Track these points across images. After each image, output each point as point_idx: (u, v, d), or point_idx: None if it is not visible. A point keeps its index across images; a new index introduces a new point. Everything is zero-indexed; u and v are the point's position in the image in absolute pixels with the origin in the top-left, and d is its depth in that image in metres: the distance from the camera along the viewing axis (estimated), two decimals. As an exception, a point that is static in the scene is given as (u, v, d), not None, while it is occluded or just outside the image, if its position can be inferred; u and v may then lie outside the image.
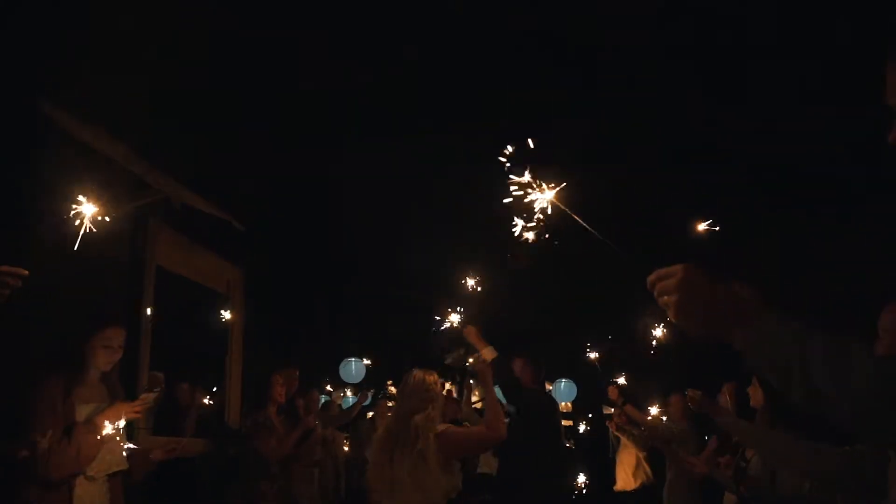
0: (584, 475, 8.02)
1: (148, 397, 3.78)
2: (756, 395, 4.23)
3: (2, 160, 3.97)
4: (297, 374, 6.25)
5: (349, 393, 10.24)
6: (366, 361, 9.65)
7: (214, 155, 5.71)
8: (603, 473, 8.27)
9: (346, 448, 7.83)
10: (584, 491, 7.96)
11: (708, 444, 5.45)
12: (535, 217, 2.31)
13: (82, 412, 3.46)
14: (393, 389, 8.80)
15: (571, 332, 8.21)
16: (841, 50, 5.80)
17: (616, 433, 7.56)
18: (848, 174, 6.77)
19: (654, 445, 6.49)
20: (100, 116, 4.38)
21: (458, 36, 6.81)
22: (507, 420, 6.39)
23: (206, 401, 6.14)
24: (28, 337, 3.92)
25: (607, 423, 7.52)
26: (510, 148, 2.34)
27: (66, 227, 2.76)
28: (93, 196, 2.80)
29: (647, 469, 7.14)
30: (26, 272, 2.52)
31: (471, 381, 7.27)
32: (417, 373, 3.90)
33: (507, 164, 2.33)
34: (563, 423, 7.63)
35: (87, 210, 2.78)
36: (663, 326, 4.69)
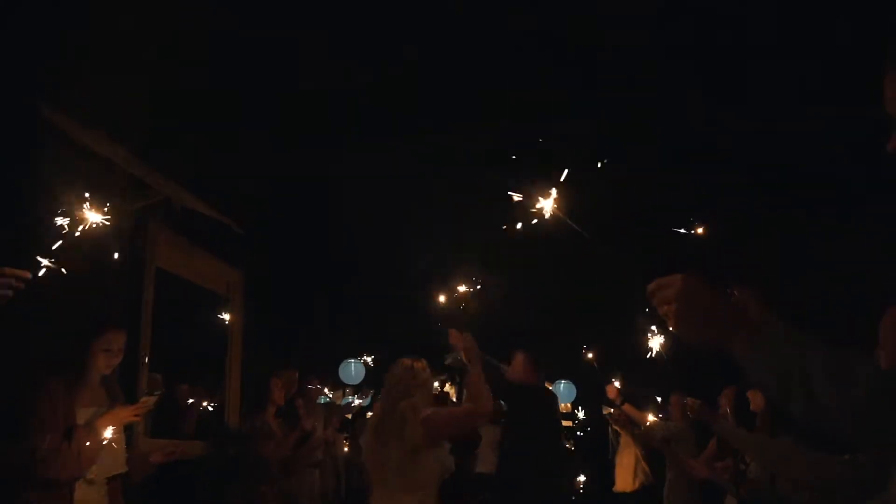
0: (584, 476, 8.02)
1: (148, 401, 3.78)
2: (756, 399, 4.22)
3: (1, 162, 3.96)
4: (297, 375, 6.24)
5: (349, 394, 10.26)
6: (368, 359, 9.63)
7: (214, 156, 5.72)
8: (602, 474, 8.26)
9: (346, 449, 7.83)
10: (584, 491, 7.96)
11: (708, 445, 5.45)
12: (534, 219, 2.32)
13: (82, 415, 3.46)
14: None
15: (571, 332, 8.20)
16: (841, 50, 5.80)
17: (615, 427, 7.56)
18: (848, 174, 6.77)
19: (653, 446, 6.48)
20: (100, 118, 4.38)
21: (458, 36, 6.81)
22: (501, 420, 6.41)
23: (205, 404, 6.13)
24: (28, 339, 3.92)
25: (608, 418, 7.50)
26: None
27: (65, 229, 2.76)
28: (93, 198, 2.80)
29: (647, 469, 7.14)
30: (29, 274, 2.53)
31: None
32: (405, 360, 3.96)
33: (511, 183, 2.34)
34: (563, 423, 7.62)
35: (87, 212, 2.78)
36: (662, 331, 4.69)
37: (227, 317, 6.25)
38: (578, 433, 10.71)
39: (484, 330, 5.77)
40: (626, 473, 7.32)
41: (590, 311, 9.03)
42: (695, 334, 1.40)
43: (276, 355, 6.88)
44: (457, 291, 4.55)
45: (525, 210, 2.35)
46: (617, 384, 7.09)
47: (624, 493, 7.34)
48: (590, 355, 7.39)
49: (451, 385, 10.73)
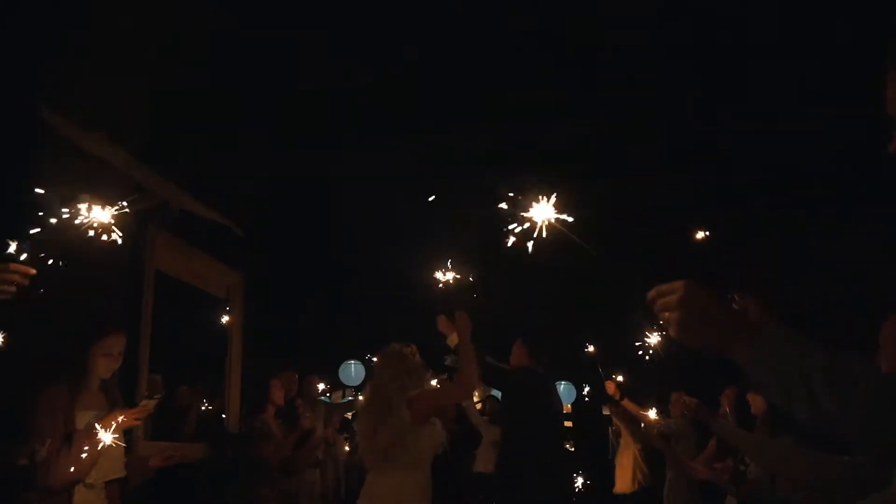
0: (584, 476, 8.00)
1: (148, 405, 3.78)
2: (756, 401, 4.22)
3: (1, 165, 3.96)
4: (297, 377, 6.24)
5: (350, 394, 10.25)
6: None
7: (213, 159, 5.72)
8: (602, 475, 8.25)
9: (346, 448, 7.82)
10: (584, 492, 7.94)
11: (708, 444, 5.44)
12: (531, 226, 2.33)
13: (82, 419, 3.45)
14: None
15: (571, 332, 8.19)
16: (840, 50, 5.80)
17: (616, 421, 7.54)
18: (848, 174, 6.78)
19: (652, 444, 6.47)
20: (99, 121, 4.38)
21: (458, 36, 6.81)
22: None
23: (204, 407, 6.12)
24: (28, 343, 3.92)
25: (610, 409, 7.49)
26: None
27: (65, 233, 2.75)
28: (93, 201, 2.80)
29: (645, 470, 7.12)
30: (34, 271, 2.53)
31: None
32: (393, 345, 4.07)
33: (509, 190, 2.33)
34: (564, 423, 7.59)
35: (90, 214, 2.78)
36: (661, 333, 4.69)
37: (226, 318, 6.25)
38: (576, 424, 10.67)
39: (484, 330, 5.77)
40: (625, 475, 7.32)
41: (590, 310, 9.03)
42: (696, 341, 1.39)
43: (276, 356, 6.88)
44: (450, 278, 4.58)
45: (522, 216, 2.35)
46: (621, 378, 7.08)
47: (624, 495, 7.33)
48: (590, 348, 7.37)
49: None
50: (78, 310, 4.17)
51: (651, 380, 7.30)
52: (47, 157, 4.17)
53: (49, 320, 3.96)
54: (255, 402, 5.38)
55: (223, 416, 6.09)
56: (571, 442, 9.76)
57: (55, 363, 3.64)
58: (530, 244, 2.41)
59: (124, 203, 2.97)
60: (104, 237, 2.85)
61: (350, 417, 8.28)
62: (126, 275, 4.88)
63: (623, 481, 7.33)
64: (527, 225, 2.38)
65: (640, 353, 5.16)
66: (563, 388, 9.83)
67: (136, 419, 3.66)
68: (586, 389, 8.28)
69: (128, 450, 3.98)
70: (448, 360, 6.47)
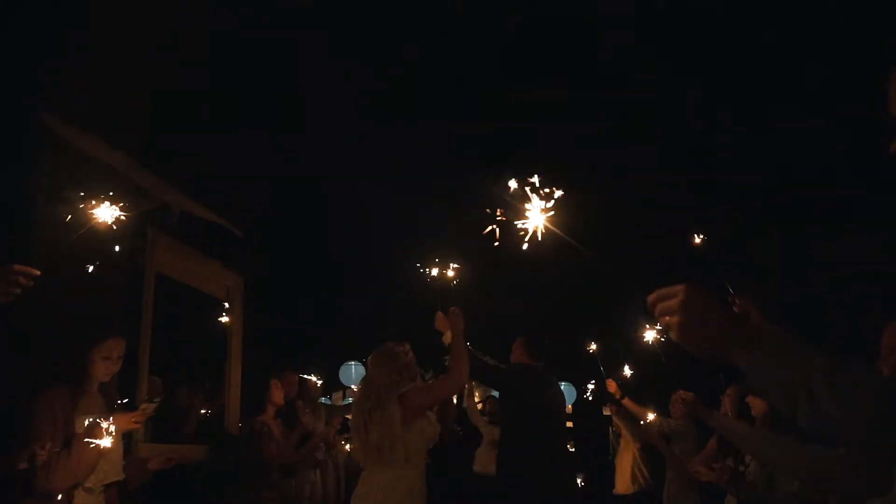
0: (584, 476, 7.99)
1: (148, 408, 3.78)
2: (756, 403, 4.20)
3: (0, 169, 3.96)
4: (297, 378, 6.23)
5: (350, 395, 10.24)
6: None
7: (213, 160, 5.71)
8: (602, 475, 8.24)
9: (347, 449, 7.82)
10: (583, 493, 7.93)
11: (708, 443, 5.42)
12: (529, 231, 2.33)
13: (81, 423, 3.46)
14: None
15: (572, 330, 8.18)
16: (841, 50, 5.80)
17: (616, 421, 7.53)
18: (848, 175, 6.77)
19: (652, 442, 6.46)
20: (99, 124, 4.38)
21: (459, 36, 6.81)
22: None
23: (203, 410, 6.11)
24: (28, 346, 3.91)
25: (609, 408, 7.48)
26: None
27: (65, 235, 2.76)
28: (93, 204, 2.80)
29: (644, 471, 7.11)
30: (38, 272, 2.53)
31: (471, 382, 7.25)
32: (387, 343, 4.13)
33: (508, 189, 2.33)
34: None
35: (92, 215, 2.79)
36: (662, 337, 4.69)
37: (226, 319, 6.25)
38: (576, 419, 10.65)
39: (484, 329, 5.76)
40: (625, 476, 7.31)
41: (590, 308, 9.02)
42: (697, 345, 1.39)
43: (276, 357, 6.87)
44: (448, 274, 4.61)
45: (521, 217, 2.35)
46: (627, 372, 7.07)
47: (623, 496, 7.32)
48: (592, 347, 7.35)
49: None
50: (78, 312, 4.17)
51: (651, 379, 7.29)
52: (47, 159, 4.17)
53: (49, 323, 3.96)
54: (255, 402, 5.38)
55: (223, 417, 6.08)
56: (571, 442, 9.75)
57: (55, 366, 3.64)
58: (525, 245, 2.42)
59: (124, 206, 2.97)
60: (104, 240, 2.86)
61: (350, 418, 8.27)
62: (126, 277, 4.88)
63: (624, 482, 7.32)
64: (526, 224, 2.38)
65: (641, 352, 5.16)
66: (563, 388, 9.82)
67: (135, 423, 3.67)
68: (589, 388, 8.24)
69: (127, 452, 3.98)
70: (447, 360, 6.44)
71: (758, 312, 3.09)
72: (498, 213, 2.41)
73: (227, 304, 6.28)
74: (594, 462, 9.11)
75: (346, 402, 9.76)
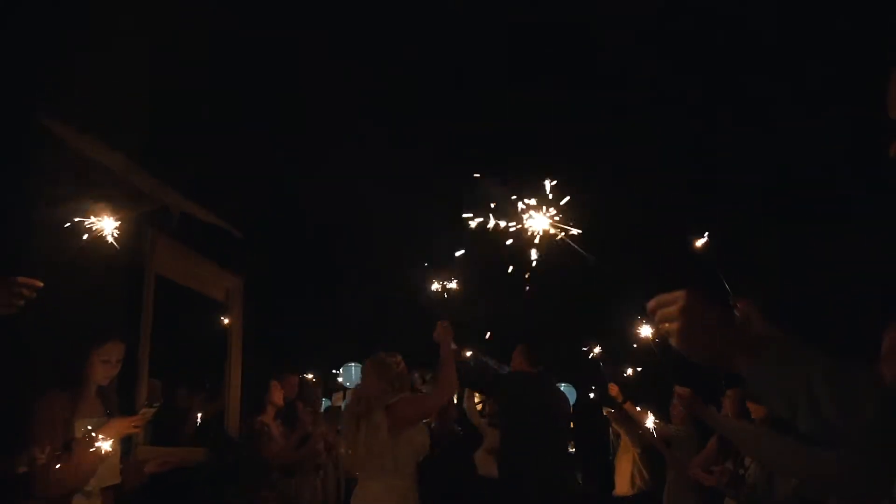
0: (583, 477, 7.98)
1: (147, 413, 3.77)
2: (756, 408, 4.19)
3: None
4: (297, 379, 6.22)
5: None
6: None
7: (212, 161, 5.71)
8: (602, 476, 8.23)
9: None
10: (583, 493, 7.92)
11: (708, 445, 5.41)
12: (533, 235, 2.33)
13: (80, 427, 3.45)
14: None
15: (573, 333, 8.17)
16: (840, 50, 5.79)
17: (615, 426, 7.51)
18: (848, 175, 6.77)
19: (653, 444, 6.45)
20: (98, 126, 4.37)
21: (459, 36, 6.81)
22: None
23: (199, 415, 6.11)
24: (27, 350, 3.91)
25: (607, 414, 7.46)
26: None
27: (64, 238, 2.76)
28: (93, 207, 2.80)
29: (644, 473, 7.10)
30: (41, 284, 2.54)
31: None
32: (380, 354, 4.22)
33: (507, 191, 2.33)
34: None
35: (88, 222, 2.79)
36: (660, 344, 4.67)
37: (226, 321, 6.25)
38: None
39: (485, 331, 5.75)
40: (625, 477, 7.30)
41: (590, 310, 9.01)
42: (697, 352, 1.38)
43: (277, 359, 6.87)
44: (445, 284, 4.61)
45: (522, 221, 2.35)
46: (630, 371, 7.05)
47: (623, 497, 7.31)
48: (596, 350, 7.34)
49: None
50: (77, 315, 4.16)
51: (651, 380, 7.28)
52: (46, 162, 4.17)
53: (49, 326, 3.95)
54: (255, 404, 5.38)
55: (223, 418, 6.08)
56: (571, 442, 9.74)
57: (54, 369, 3.63)
58: (534, 252, 2.41)
59: (124, 208, 2.97)
60: (104, 244, 2.86)
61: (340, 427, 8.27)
62: (126, 280, 4.88)
63: (622, 484, 7.32)
64: (527, 228, 2.38)
65: (641, 354, 5.15)
66: (563, 389, 9.81)
67: (134, 427, 3.67)
68: (591, 395, 8.25)
69: (127, 454, 3.98)
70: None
71: (759, 315, 3.09)
72: (501, 224, 2.41)
73: (227, 305, 6.27)
74: (594, 462, 9.09)
75: (345, 404, 9.75)
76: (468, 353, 6.23)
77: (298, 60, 6.56)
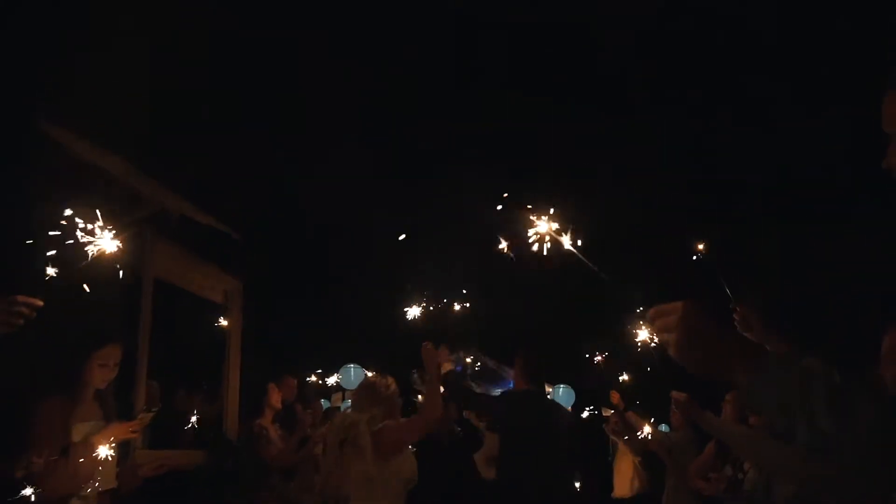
0: (582, 479, 7.96)
1: (145, 418, 3.78)
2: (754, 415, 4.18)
3: (-1, 174, 3.96)
4: (296, 382, 6.22)
5: (349, 397, 10.21)
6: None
7: (211, 164, 5.70)
8: (601, 478, 8.21)
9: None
10: (582, 495, 7.90)
11: (706, 449, 5.39)
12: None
13: (78, 431, 3.46)
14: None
15: (573, 335, 8.17)
16: (841, 51, 5.79)
17: (612, 437, 7.48)
18: (848, 175, 6.76)
19: (653, 450, 6.43)
20: (96, 130, 4.37)
21: (459, 36, 6.80)
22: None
23: (194, 419, 6.10)
24: (25, 354, 3.90)
25: (604, 426, 7.44)
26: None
27: (61, 242, 2.75)
28: (93, 212, 2.80)
29: (644, 476, 7.09)
30: (41, 302, 2.54)
31: (469, 384, 7.21)
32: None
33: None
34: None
35: (94, 230, 2.79)
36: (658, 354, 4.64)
37: (225, 323, 6.24)
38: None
39: (485, 333, 5.74)
40: (624, 479, 7.29)
41: (591, 310, 9.00)
42: (695, 363, 1.37)
43: (276, 362, 6.86)
44: (432, 307, 4.61)
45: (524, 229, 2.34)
46: (626, 377, 7.03)
47: (622, 499, 7.31)
48: (598, 358, 7.32)
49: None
50: (75, 319, 4.15)
51: (652, 384, 7.26)
52: (44, 166, 4.16)
53: (46, 330, 3.94)
54: (254, 406, 5.38)
55: (221, 421, 6.08)
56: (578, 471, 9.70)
57: (52, 373, 3.63)
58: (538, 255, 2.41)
59: (122, 212, 2.97)
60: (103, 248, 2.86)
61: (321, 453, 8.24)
62: (124, 284, 4.86)
63: (621, 486, 7.31)
64: (529, 236, 2.38)
65: (641, 357, 5.12)
66: (562, 391, 9.80)
67: (132, 432, 3.67)
68: (591, 396, 8.23)
69: (125, 458, 3.97)
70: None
71: (758, 321, 3.08)
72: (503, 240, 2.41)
73: (225, 308, 6.26)
74: (593, 464, 9.08)
75: (345, 405, 9.75)
76: (468, 359, 6.19)
77: (298, 60, 6.55)
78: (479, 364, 6.64)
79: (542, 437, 5.06)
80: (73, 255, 2.75)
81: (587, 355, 7.26)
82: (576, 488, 7.32)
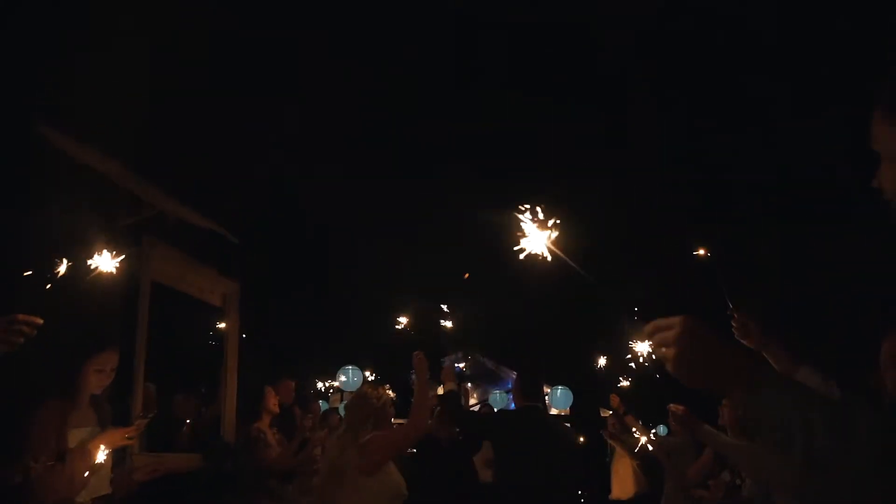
0: (581, 482, 7.95)
1: (141, 424, 3.77)
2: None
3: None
4: (294, 385, 6.20)
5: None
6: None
7: (208, 166, 5.69)
8: (600, 480, 8.20)
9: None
10: (581, 497, 7.89)
11: (704, 453, 5.39)
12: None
13: (74, 437, 3.45)
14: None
15: (573, 336, 8.17)
16: (841, 51, 5.77)
17: (610, 441, 7.47)
18: (848, 174, 6.75)
19: (653, 455, 6.41)
20: (94, 134, 4.36)
21: (459, 36, 6.79)
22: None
23: (188, 422, 6.10)
24: (21, 359, 3.89)
25: (601, 431, 7.43)
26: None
27: (60, 247, 2.75)
28: (93, 218, 2.81)
29: (642, 477, 7.08)
30: (41, 321, 2.55)
31: (468, 385, 7.22)
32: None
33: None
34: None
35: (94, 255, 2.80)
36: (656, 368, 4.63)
37: (223, 325, 6.23)
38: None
39: (485, 334, 5.74)
40: (622, 481, 7.28)
41: (591, 311, 8.99)
42: (693, 379, 1.36)
43: (274, 364, 6.85)
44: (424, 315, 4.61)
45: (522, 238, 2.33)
46: (626, 382, 7.02)
47: (619, 502, 7.30)
48: (601, 361, 7.31)
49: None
50: (72, 324, 4.15)
51: (651, 387, 7.25)
52: (42, 170, 4.15)
53: (43, 334, 3.93)
54: (251, 410, 5.36)
55: (219, 424, 6.07)
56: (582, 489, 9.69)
57: (48, 379, 3.62)
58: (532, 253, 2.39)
59: (120, 216, 2.96)
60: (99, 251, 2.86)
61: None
62: (122, 288, 4.85)
63: (620, 488, 7.30)
64: (527, 246, 2.36)
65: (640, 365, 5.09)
66: (560, 393, 9.82)
67: (129, 438, 3.66)
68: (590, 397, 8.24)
69: (121, 461, 3.97)
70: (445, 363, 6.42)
71: (756, 327, 3.07)
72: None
73: (223, 311, 6.26)
74: (592, 465, 9.08)
75: (342, 406, 9.74)
76: (460, 365, 6.19)
77: (298, 60, 6.55)
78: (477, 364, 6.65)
79: (539, 454, 4.98)
80: (73, 274, 2.76)
81: (587, 357, 7.25)
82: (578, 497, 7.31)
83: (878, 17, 5.04)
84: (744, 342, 3.02)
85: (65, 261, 2.81)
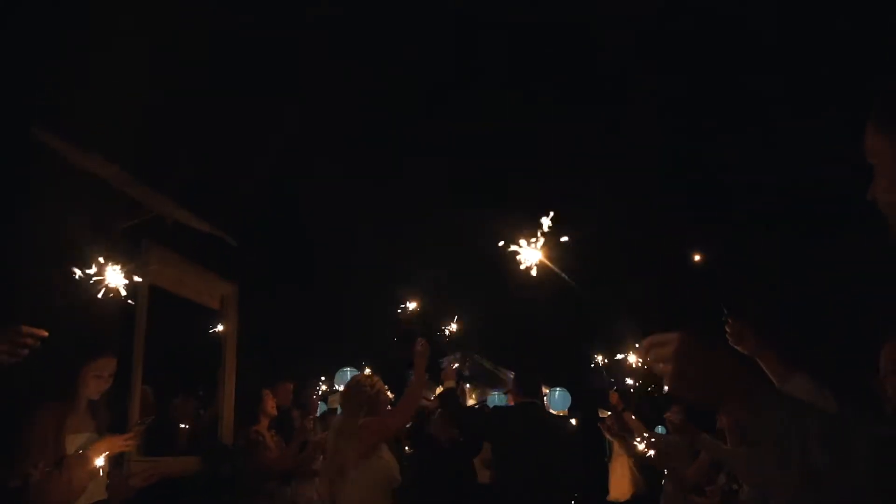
0: (579, 478, 7.95)
1: (140, 430, 3.78)
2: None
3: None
4: (292, 387, 6.20)
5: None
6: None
7: (206, 169, 5.69)
8: (599, 480, 8.19)
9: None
10: (579, 497, 7.89)
11: (700, 456, 5.38)
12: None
13: (72, 442, 3.46)
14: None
15: (572, 337, 8.17)
16: (841, 51, 5.77)
17: (609, 437, 7.47)
18: (848, 175, 6.72)
19: (653, 461, 6.41)
20: (92, 138, 4.36)
21: (459, 36, 6.78)
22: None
23: (185, 425, 6.10)
24: (19, 364, 3.89)
25: (600, 425, 7.44)
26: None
27: (59, 251, 2.76)
28: (92, 223, 2.81)
29: (640, 478, 7.08)
30: (45, 333, 2.55)
31: (466, 385, 7.23)
32: (355, 376, 4.26)
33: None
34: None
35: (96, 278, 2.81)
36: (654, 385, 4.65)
37: (221, 328, 6.22)
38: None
39: (484, 334, 5.74)
40: (620, 482, 7.28)
41: (591, 311, 8.99)
42: (690, 394, 1.37)
43: (272, 366, 6.84)
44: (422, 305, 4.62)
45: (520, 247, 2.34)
46: (630, 380, 7.02)
47: (617, 503, 7.30)
48: (599, 359, 7.32)
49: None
50: (70, 329, 4.15)
51: (650, 389, 7.26)
52: (40, 174, 4.15)
53: (42, 339, 3.93)
54: (249, 413, 5.37)
55: (217, 427, 6.07)
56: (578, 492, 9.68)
57: (46, 384, 3.63)
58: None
59: (118, 220, 2.96)
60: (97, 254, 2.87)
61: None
62: (119, 292, 4.84)
63: (617, 488, 7.30)
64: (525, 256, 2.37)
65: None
66: (558, 394, 9.81)
67: (127, 444, 3.67)
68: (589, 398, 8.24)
69: (119, 465, 3.97)
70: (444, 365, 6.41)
71: (753, 335, 3.07)
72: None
73: (221, 313, 6.25)
74: (590, 466, 9.07)
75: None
76: (454, 365, 6.17)
77: (298, 60, 6.54)
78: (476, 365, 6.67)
79: (537, 449, 4.97)
80: (71, 279, 2.77)
81: (587, 358, 7.25)
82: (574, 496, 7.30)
83: (878, 17, 5.03)
84: (738, 348, 3.03)
85: (65, 266, 2.81)
